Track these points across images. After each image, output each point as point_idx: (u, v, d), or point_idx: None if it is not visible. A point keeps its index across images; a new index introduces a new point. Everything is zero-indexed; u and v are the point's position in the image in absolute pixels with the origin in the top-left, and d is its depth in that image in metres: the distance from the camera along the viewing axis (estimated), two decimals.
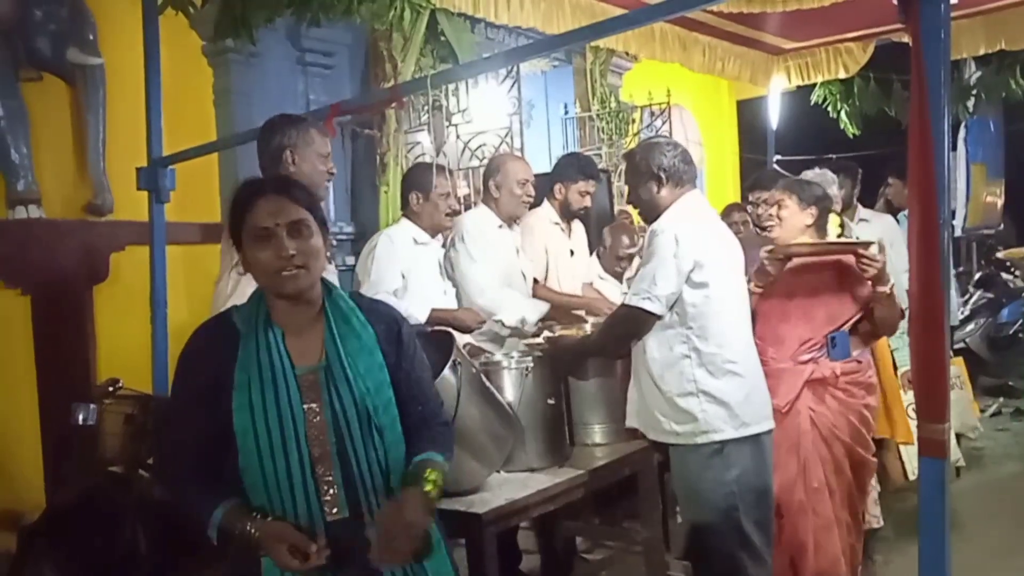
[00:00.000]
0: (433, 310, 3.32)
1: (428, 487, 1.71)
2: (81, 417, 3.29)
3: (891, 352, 3.83)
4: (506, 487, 2.56)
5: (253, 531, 1.65)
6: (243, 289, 2.56)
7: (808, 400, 3.03)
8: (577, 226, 4.16)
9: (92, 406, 3.31)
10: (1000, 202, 10.10)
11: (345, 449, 1.70)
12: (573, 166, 4.07)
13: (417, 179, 3.49)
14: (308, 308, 1.76)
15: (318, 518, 1.68)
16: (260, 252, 1.70)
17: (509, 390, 2.75)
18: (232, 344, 1.72)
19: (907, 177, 5.11)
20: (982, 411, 6.48)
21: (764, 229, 3.46)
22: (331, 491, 1.69)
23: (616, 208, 5.93)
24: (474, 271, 3.55)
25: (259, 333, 1.72)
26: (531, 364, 2.79)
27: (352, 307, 1.80)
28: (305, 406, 1.69)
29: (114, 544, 3.34)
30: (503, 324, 3.49)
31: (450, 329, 2.92)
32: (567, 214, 4.03)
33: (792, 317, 3.07)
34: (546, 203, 3.98)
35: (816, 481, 3.00)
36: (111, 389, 3.39)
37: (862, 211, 4.51)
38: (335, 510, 1.69)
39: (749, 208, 4.05)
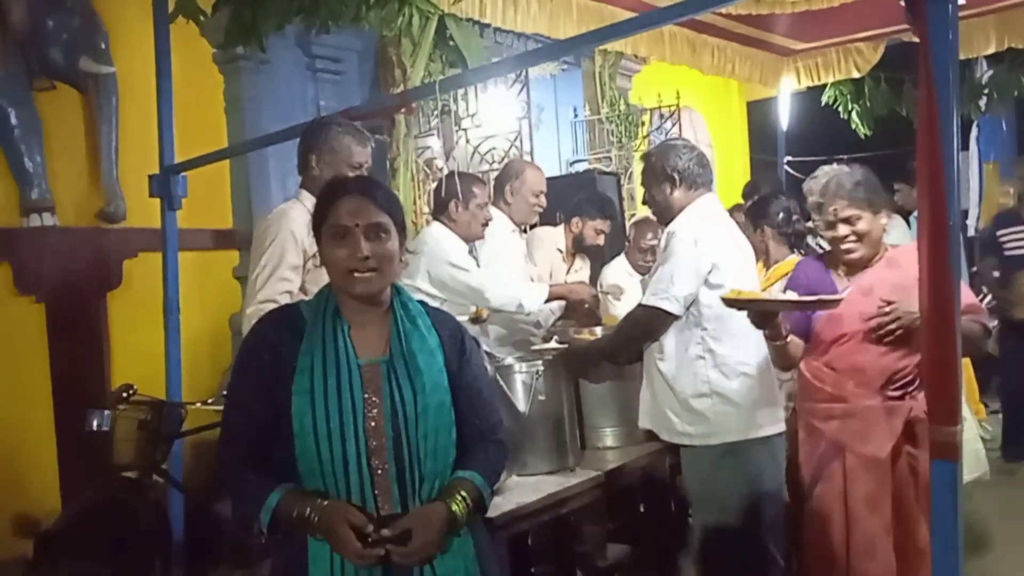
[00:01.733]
0: (551, 286, 3.47)
1: (455, 506, 1.72)
2: (95, 423, 3.31)
3: None
4: (517, 491, 2.56)
5: (313, 515, 1.65)
6: (273, 286, 2.59)
7: (906, 444, 2.56)
8: (583, 261, 4.23)
9: (106, 412, 3.33)
10: (1014, 201, 10.01)
11: (401, 443, 1.71)
12: (595, 204, 4.24)
13: (458, 187, 3.46)
14: (377, 307, 1.81)
15: (371, 511, 1.69)
16: (336, 250, 1.74)
17: (520, 394, 2.75)
18: (297, 332, 1.76)
19: (912, 180, 5.05)
20: (995, 412, 6.43)
21: None
22: (384, 484, 1.71)
23: (626, 212, 5.93)
24: (497, 267, 3.57)
25: (326, 322, 1.76)
26: (542, 368, 2.79)
27: (420, 310, 1.85)
28: (365, 396, 1.71)
29: (129, 549, 3.36)
30: (522, 307, 3.46)
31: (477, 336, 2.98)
32: (578, 247, 4.12)
33: (872, 344, 2.59)
34: (562, 228, 4.02)
35: (922, 541, 2.47)
36: (125, 395, 3.42)
37: None
38: (386, 506, 1.70)
39: None
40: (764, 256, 3.39)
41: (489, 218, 3.52)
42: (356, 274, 1.73)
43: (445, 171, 4.46)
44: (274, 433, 1.73)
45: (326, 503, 1.67)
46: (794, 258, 3.35)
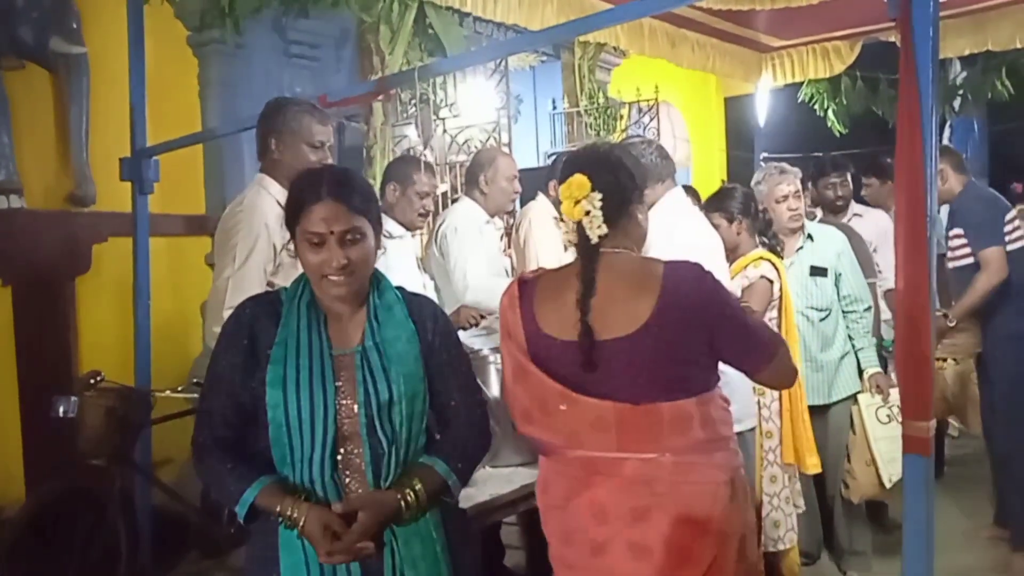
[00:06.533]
0: None
1: (409, 495, 1.71)
2: (61, 409, 3.25)
3: (855, 353, 3.62)
4: (490, 483, 2.55)
5: (296, 514, 1.65)
6: (244, 285, 2.53)
7: None
8: None
9: (73, 398, 3.28)
10: None
11: (375, 432, 1.71)
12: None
13: (397, 172, 3.45)
14: (353, 298, 1.79)
15: (342, 499, 1.69)
16: (312, 256, 1.73)
17: (494, 385, 2.74)
18: (276, 318, 1.76)
19: (883, 175, 4.88)
20: None
21: None
22: (359, 472, 1.71)
23: None
24: (466, 263, 3.52)
25: (301, 311, 1.75)
26: None
27: (397, 298, 1.83)
28: (339, 385, 1.71)
29: (95, 537, 3.31)
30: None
31: None
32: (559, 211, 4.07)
33: None
34: (542, 197, 3.98)
35: None
36: (92, 381, 3.36)
37: (855, 206, 4.51)
38: (360, 491, 1.70)
39: None
40: (732, 248, 3.35)
41: (428, 209, 3.44)
42: (332, 278, 1.72)
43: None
44: (249, 418, 1.73)
45: (310, 508, 1.66)
46: (758, 252, 3.35)
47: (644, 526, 1.75)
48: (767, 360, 1.86)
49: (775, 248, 3.42)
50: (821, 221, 3.89)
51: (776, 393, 3.28)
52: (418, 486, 1.72)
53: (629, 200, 1.87)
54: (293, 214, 1.76)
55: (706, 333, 1.77)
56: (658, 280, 1.75)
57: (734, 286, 3.28)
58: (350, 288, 1.74)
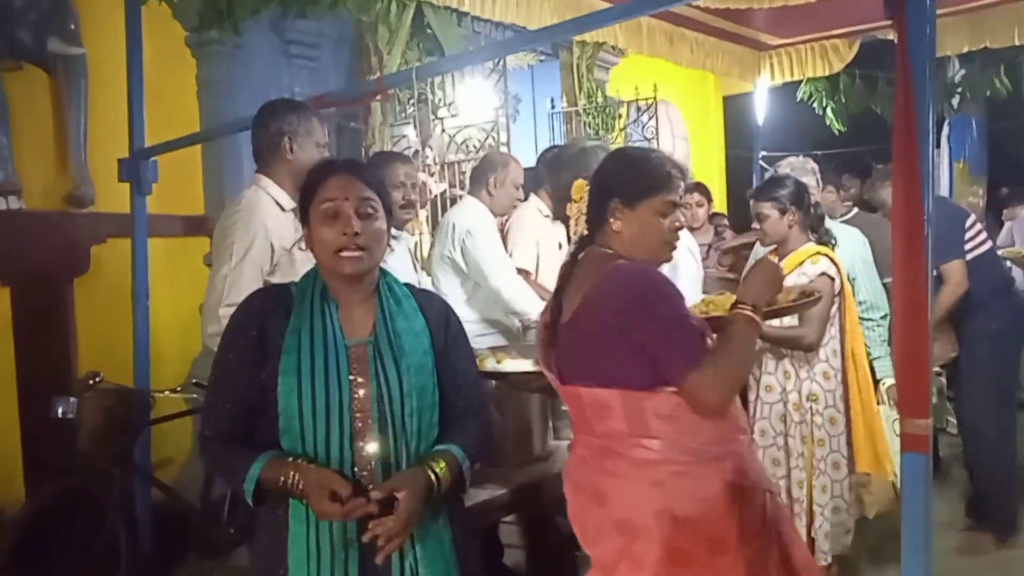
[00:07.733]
0: None
1: (437, 469, 1.72)
2: (61, 410, 3.26)
3: (870, 363, 3.43)
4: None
5: (296, 477, 1.65)
6: (241, 282, 2.52)
7: None
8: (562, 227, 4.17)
9: (72, 399, 3.28)
10: (982, 201, 10.17)
11: (386, 424, 1.72)
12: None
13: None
14: (364, 288, 1.80)
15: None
16: (326, 229, 1.74)
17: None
18: (286, 309, 1.76)
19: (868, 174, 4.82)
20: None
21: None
22: (369, 464, 1.71)
23: None
24: (495, 258, 3.53)
25: (314, 302, 1.76)
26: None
27: (406, 292, 1.85)
28: (351, 377, 1.72)
29: (95, 538, 3.31)
30: (520, 318, 3.45)
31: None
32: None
33: None
34: (533, 196, 3.97)
35: None
36: (91, 382, 3.37)
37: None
38: (370, 486, 1.70)
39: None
40: (781, 242, 3.22)
41: (408, 198, 3.36)
42: (345, 252, 1.73)
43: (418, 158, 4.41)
44: (257, 410, 1.72)
45: (310, 467, 1.66)
46: (813, 247, 3.19)
47: (579, 498, 2.00)
48: (683, 370, 1.76)
49: (826, 244, 3.25)
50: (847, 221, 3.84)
51: (830, 399, 3.13)
52: (442, 464, 1.73)
53: (603, 206, 1.97)
54: (308, 194, 1.78)
55: (626, 331, 1.81)
56: (595, 277, 1.89)
57: (788, 283, 3.20)
58: (364, 265, 1.75)
